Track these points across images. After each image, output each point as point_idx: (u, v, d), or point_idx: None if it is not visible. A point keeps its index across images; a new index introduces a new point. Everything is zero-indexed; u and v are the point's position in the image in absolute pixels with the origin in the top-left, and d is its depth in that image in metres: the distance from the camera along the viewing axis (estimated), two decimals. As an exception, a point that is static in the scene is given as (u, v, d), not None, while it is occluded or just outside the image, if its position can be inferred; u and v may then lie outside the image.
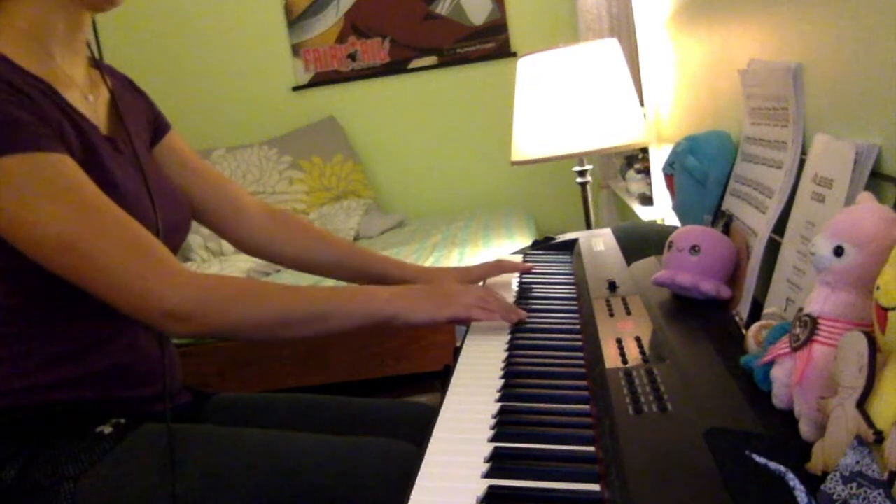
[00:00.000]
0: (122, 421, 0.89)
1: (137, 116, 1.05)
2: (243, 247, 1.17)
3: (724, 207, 1.04)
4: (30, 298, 0.86)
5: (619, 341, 0.79)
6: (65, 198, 0.80)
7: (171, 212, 1.00)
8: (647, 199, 2.16)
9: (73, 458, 0.83)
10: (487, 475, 0.59)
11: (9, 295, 0.86)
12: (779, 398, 0.61)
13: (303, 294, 0.90)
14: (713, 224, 1.04)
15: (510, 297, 1.07)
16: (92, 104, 0.96)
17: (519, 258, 1.32)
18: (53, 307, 0.87)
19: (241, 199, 1.15)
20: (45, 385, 0.87)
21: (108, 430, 0.87)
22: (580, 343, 0.86)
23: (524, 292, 1.10)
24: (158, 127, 1.10)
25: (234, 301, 0.85)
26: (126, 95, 1.05)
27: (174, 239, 1.01)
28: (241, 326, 0.85)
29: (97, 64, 1.03)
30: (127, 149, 0.97)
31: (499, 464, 0.60)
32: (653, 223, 1.96)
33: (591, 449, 0.61)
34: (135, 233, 0.83)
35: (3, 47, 0.86)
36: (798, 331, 0.58)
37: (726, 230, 0.97)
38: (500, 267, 1.19)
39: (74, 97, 0.92)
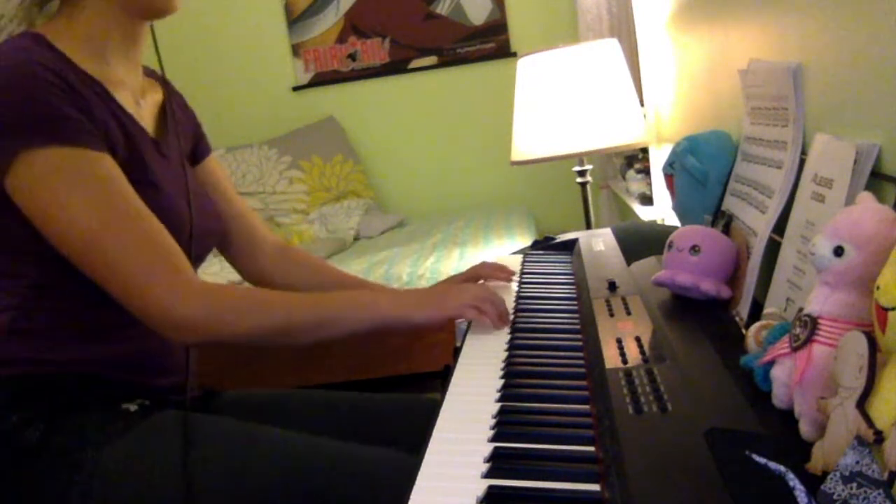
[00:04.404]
0: (147, 402, 0.91)
1: (183, 130, 1.09)
2: (252, 280, 1.20)
3: (724, 207, 1.04)
4: (58, 277, 0.88)
5: (619, 341, 0.79)
6: (95, 196, 0.83)
7: (205, 218, 1.03)
8: (647, 199, 2.16)
9: (98, 428, 0.85)
10: (487, 475, 0.59)
11: (40, 274, 0.88)
12: (779, 398, 0.61)
13: (307, 302, 0.93)
14: (713, 224, 1.04)
15: (510, 297, 1.07)
16: (142, 109, 0.99)
17: (519, 258, 1.32)
18: (80, 287, 0.88)
19: (259, 235, 1.18)
20: (71, 360, 0.89)
21: (133, 407, 0.89)
22: (580, 343, 0.86)
23: (524, 292, 1.10)
24: (200, 148, 1.14)
25: (239, 312, 0.87)
26: (176, 109, 1.08)
27: (205, 243, 1.04)
28: (245, 336, 0.88)
29: (155, 74, 1.08)
30: (170, 153, 1.00)
31: (499, 464, 0.60)
32: (653, 223, 1.96)
33: (591, 449, 0.61)
34: (157, 239, 0.85)
35: (64, 46, 0.89)
36: (798, 331, 0.58)
37: (726, 230, 0.98)
38: (492, 268, 1.17)
39: (125, 99, 0.95)
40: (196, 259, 1.03)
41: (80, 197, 0.82)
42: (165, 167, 0.97)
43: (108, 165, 0.85)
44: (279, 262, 1.19)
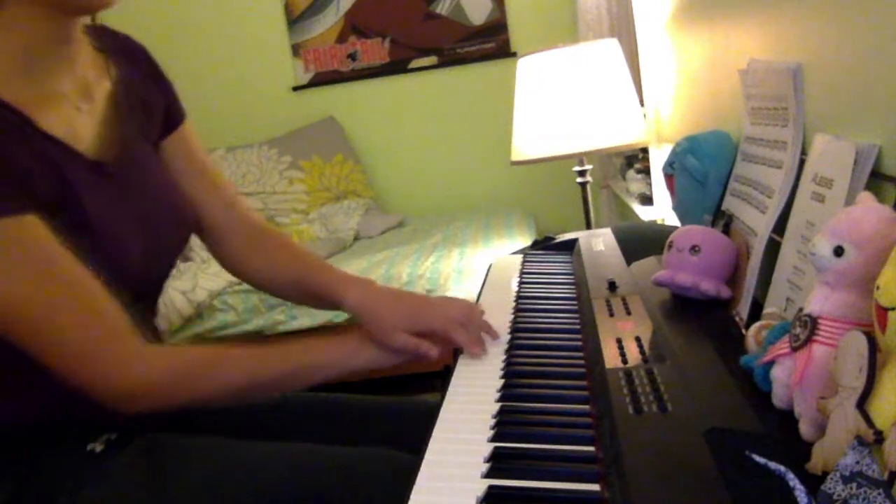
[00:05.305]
0: (114, 437, 0.86)
1: (146, 107, 0.97)
2: (227, 266, 1.11)
3: (724, 207, 1.04)
4: None
5: (619, 341, 0.79)
6: (21, 268, 0.75)
7: (166, 232, 0.94)
8: (647, 199, 2.16)
9: (67, 479, 0.80)
10: (487, 475, 0.59)
11: None
12: (779, 398, 0.61)
13: (267, 356, 0.87)
14: (713, 224, 1.04)
15: (510, 298, 1.07)
16: (85, 114, 0.88)
17: (519, 258, 1.32)
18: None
19: (233, 215, 1.07)
20: (31, 409, 0.83)
21: (99, 447, 0.84)
22: (580, 343, 0.86)
23: (524, 292, 1.10)
24: (171, 116, 1.02)
25: (190, 377, 0.82)
26: (136, 82, 0.96)
27: (162, 263, 0.96)
28: (199, 399, 0.83)
29: (109, 44, 0.95)
30: (117, 169, 0.89)
31: (499, 464, 0.60)
32: (653, 223, 1.96)
33: (591, 449, 0.61)
34: (94, 304, 0.78)
35: None
36: (798, 331, 0.58)
37: (726, 230, 0.97)
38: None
39: (58, 118, 0.84)
40: (158, 278, 0.97)
41: (3, 271, 0.74)
42: (109, 190, 0.86)
43: (30, 228, 0.75)
44: (253, 248, 1.07)
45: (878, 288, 0.47)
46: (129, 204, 0.89)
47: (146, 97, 0.97)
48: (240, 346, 0.87)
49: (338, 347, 0.90)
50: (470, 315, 0.92)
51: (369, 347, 0.90)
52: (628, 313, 0.89)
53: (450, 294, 2.17)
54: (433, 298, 1.00)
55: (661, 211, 2.02)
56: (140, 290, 0.89)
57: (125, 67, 0.95)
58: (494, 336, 0.91)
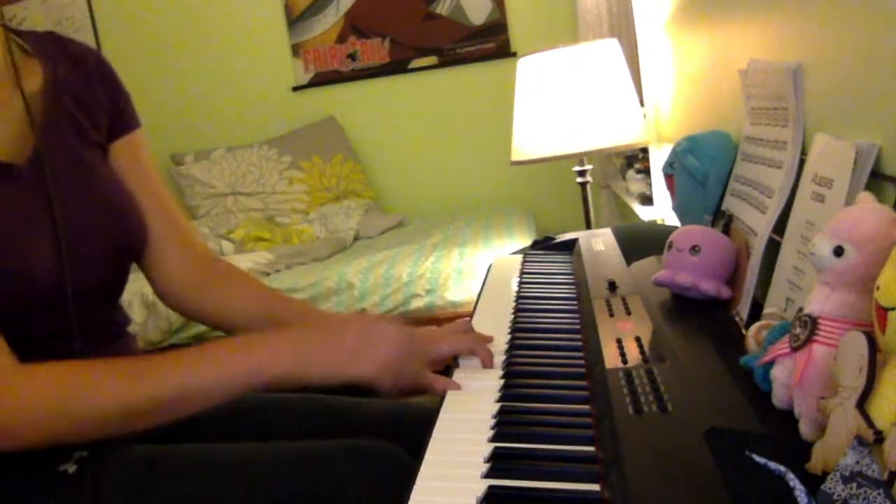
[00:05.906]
0: (85, 454, 0.81)
1: (87, 111, 0.92)
2: (165, 298, 1.00)
3: (724, 207, 1.04)
4: None
5: (619, 341, 0.79)
6: None
7: (96, 239, 0.87)
8: (647, 199, 2.16)
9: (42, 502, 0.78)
10: (487, 475, 0.59)
11: None
12: (779, 398, 0.61)
13: (152, 372, 0.75)
14: (713, 224, 1.04)
15: (510, 299, 1.07)
16: None
17: (519, 258, 1.32)
18: None
19: (180, 238, 0.99)
20: None
21: (71, 468, 0.80)
22: (580, 343, 0.86)
23: (524, 292, 1.10)
24: (121, 120, 0.97)
25: (53, 410, 0.71)
26: (76, 84, 0.92)
27: (93, 270, 0.86)
28: (68, 437, 0.74)
29: (50, 48, 0.91)
30: (30, 170, 0.83)
31: (499, 464, 0.60)
32: (653, 223, 1.96)
33: (591, 449, 0.61)
34: None
35: None
36: (798, 331, 0.58)
37: (726, 230, 0.97)
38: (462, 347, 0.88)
39: None
40: (100, 285, 0.89)
41: None
42: (12, 192, 0.81)
43: None
44: (205, 279, 0.99)
45: (878, 288, 0.47)
46: (40, 207, 0.83)
47: (88, 101, 0.93)
48: (118, 366, 0.77)
49: (241, 356, 0.76)
50: (466, 326, 0.92)
51: (288, 353, 0.77)
52: (628, 313, 0.89)
53: (449, 294, 2.17)
54: (420, 329, 0.93)
55: (661, 211, 2.02)
56: (59, 298, 0.82)
57: (65, 71, 0.91)
58: (489, 339, 0.91)
